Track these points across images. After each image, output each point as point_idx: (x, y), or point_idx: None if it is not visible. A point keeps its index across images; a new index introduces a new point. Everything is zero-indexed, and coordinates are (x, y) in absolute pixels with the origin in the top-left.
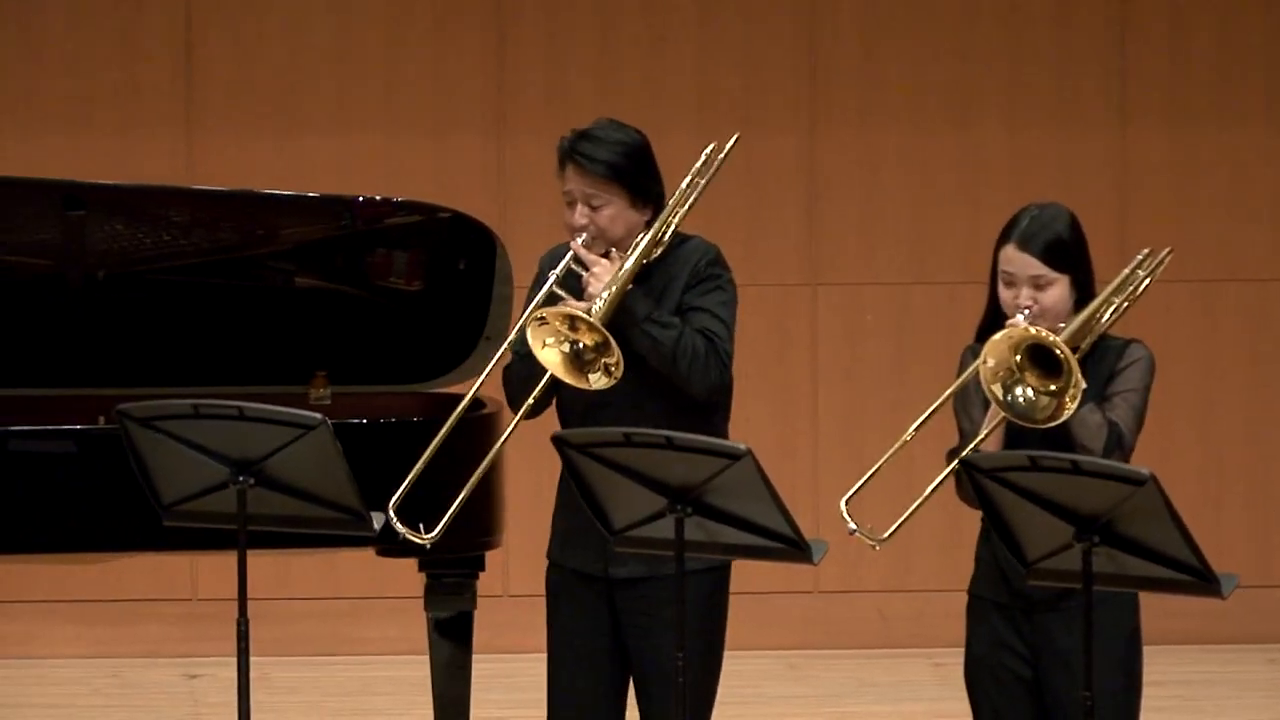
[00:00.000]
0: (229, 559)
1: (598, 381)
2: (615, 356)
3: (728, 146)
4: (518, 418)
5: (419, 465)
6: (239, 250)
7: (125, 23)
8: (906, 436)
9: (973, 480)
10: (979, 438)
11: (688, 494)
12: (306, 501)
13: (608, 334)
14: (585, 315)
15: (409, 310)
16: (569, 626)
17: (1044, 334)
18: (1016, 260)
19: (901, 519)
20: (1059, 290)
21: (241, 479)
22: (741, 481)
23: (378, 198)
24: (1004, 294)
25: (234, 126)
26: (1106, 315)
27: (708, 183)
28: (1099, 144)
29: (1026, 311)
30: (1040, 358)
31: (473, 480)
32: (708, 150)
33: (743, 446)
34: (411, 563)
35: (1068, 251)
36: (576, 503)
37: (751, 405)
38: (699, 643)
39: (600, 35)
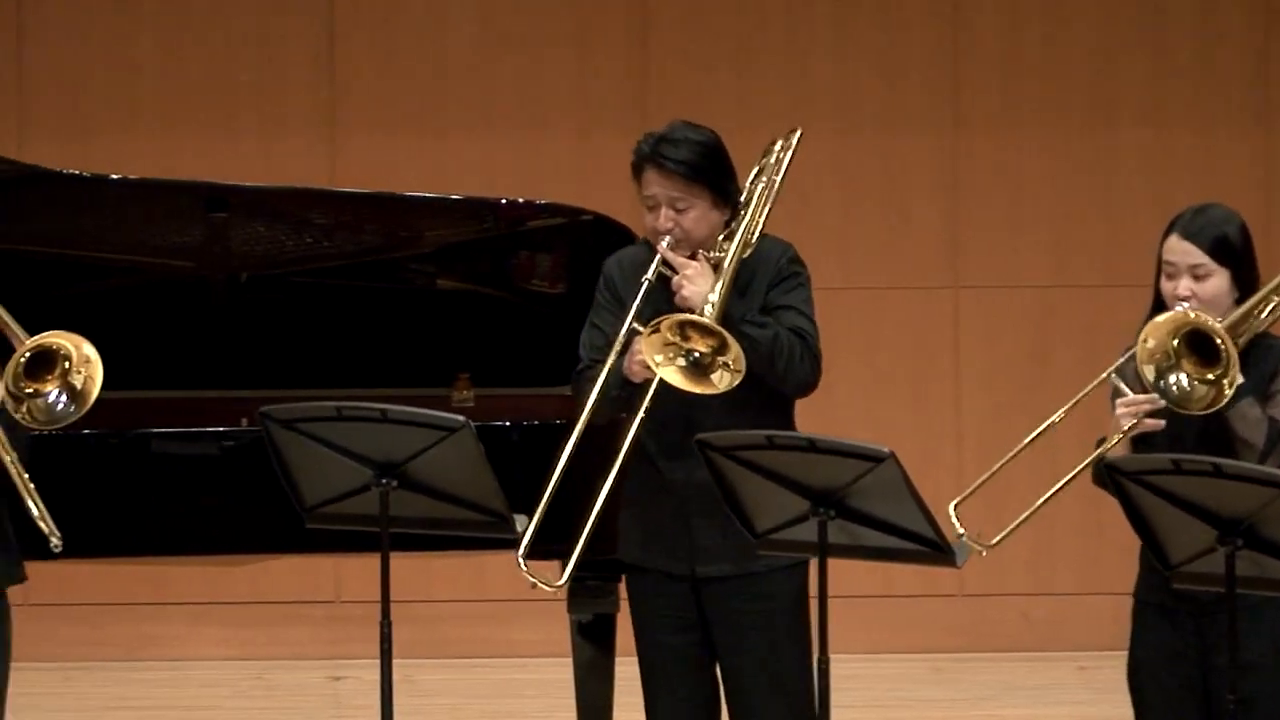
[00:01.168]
0: (372, 561)
1: (721, 382)
2: (734, 353)
3: (794, 141)
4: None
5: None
6: (381, 252)
7: (267, 25)
8: (1025, 444)
9: (1115, 483)
10: (1116, 439)
11: (831, 497)
12: (449, 504)
13: (725, 332)
14: (703, 319)
15: (551, 312)
16: (659, 628)
17: (1205, 319)
18: (1178, 250)
19: (1014, 525)
20: (1218, 282)
21: (384, 481)
22: (885, 484)
23: (520, 200)
24: (1165, 285)
25: (376, 128)
26: (1265, 312)
27: (783, 179)
28: (1243, 145)
29: (1184, 304)
30: (1199, 345)
31: (603, 493)
32: (776, 146)
33: (886, 449)
34: (555, 565)
35: (1230, 246)
36: (656, 506)
37: (893, 408)
38: (793, 641)
39: (741, 37)
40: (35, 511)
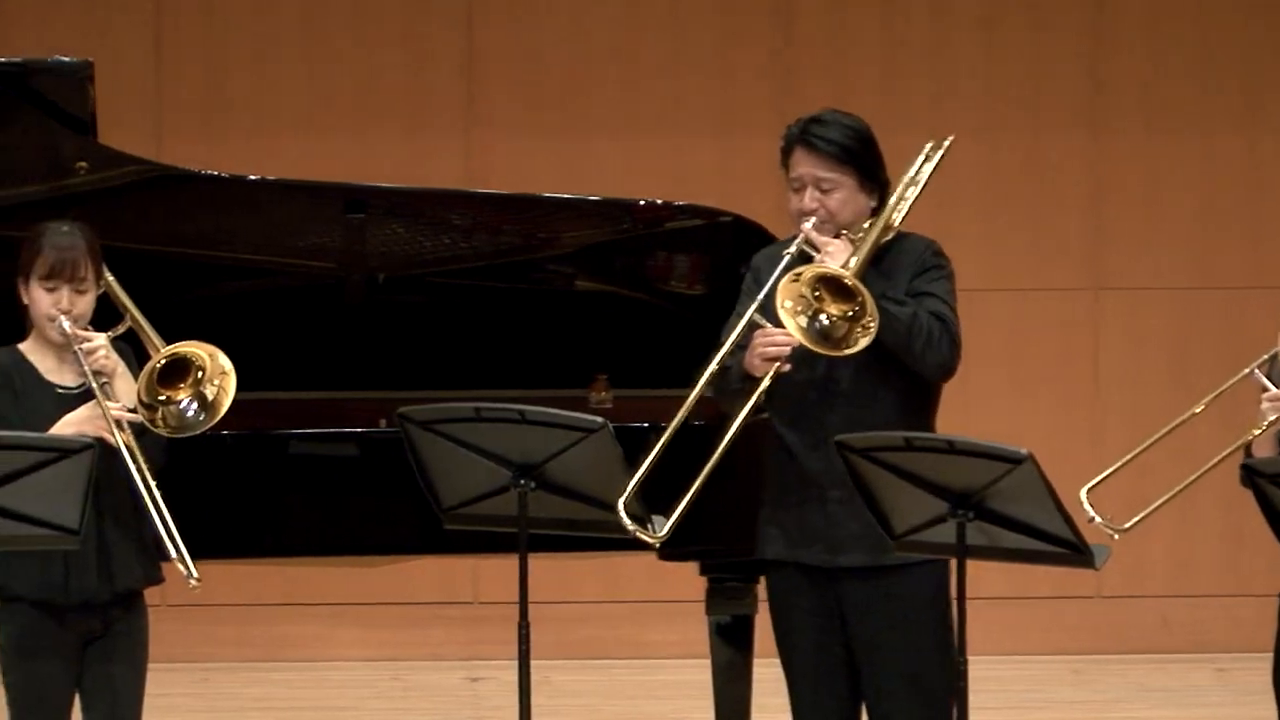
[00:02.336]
0: (510, 562)
1: (854, 345)
2: (870, 313)
3: (945, 145)
4: (739, 419)
5: (648, 460)
6: (519, 253)
7: (408, 27)
8: (1157, 436)
9: (1253, 484)
10: (1257, 432)
11: (969, 498)
12: (587, 505)
13: (863, 289)
14: (842, 271)
15: (689, 313)
16: (801, 624)
17: None
18: None
19: (1147, 511)
20: None
21: (523, 482)
22: (1023, 486)
23: (658, 201)
24: None
25: (515, 129)
26: None
27: (930, 177)
28: None
29: None
30: None
31: (700, 478)
32: (927, 147)
33: (1024, 451)
34: (693, 566)
35: None
36: (795, 496)
37: (1032, 409)
38: (929, 638)
39: (884, 38)
40: (172, 552)
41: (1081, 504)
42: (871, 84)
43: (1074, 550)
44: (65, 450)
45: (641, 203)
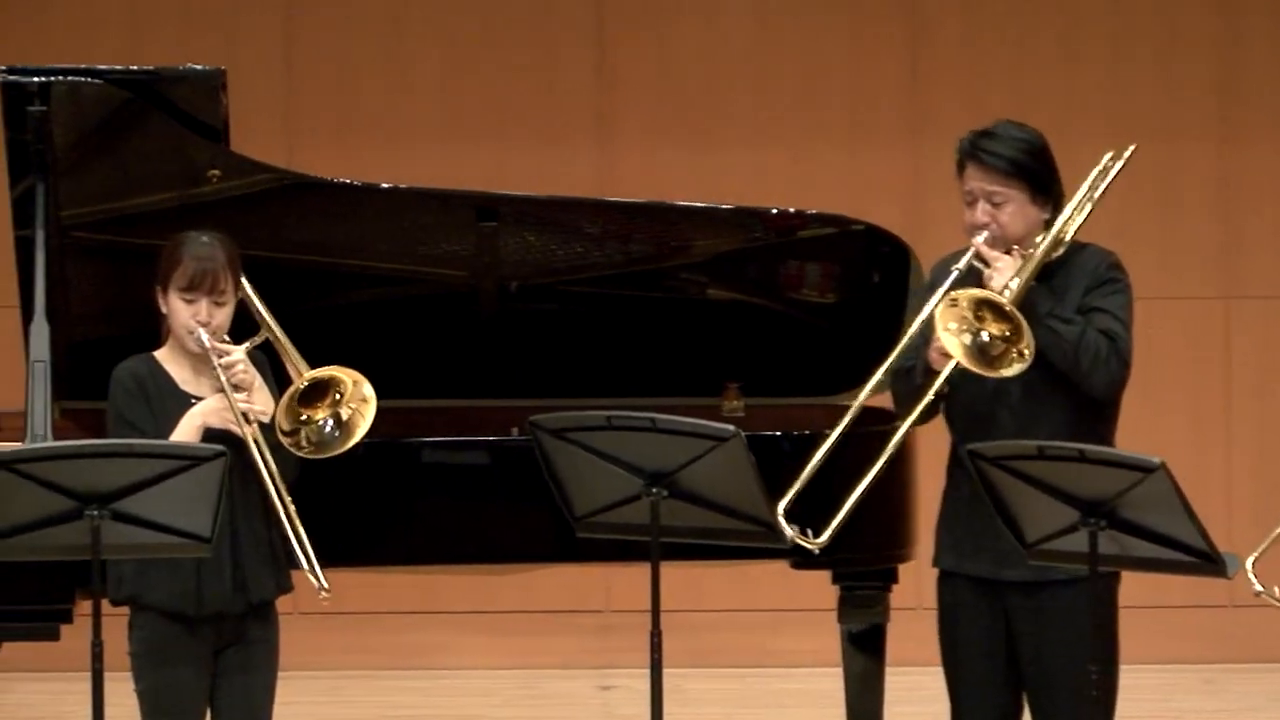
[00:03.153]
0: (642, 570)
1: (1009, 369)
2: (1026, 340)
3: (1125, 156)
4: (906, 425)
5: (809, 467)
6: (651, 262)
7: (541, 36)
8: None
9: None
10: None
11: (1101, 507)
12: (719, 513)
13: (1019, 316)
14: (998, 297)
15: (822, 322)
16: (968, 636)
17: None
18: None
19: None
20: None
21: (655, 490)
22: (1155, 495)
23: (790, 210)
24: None
25: (648, 137)
26: None
27: (1105, 189)
28: None
29: None
30: None
31: (860, 488)
32: (1106, 158)
33: (1156, 459)
34: (825, 575)
35: None
36: (967, 508)
37: (1163, 418)
38: (1093, 652)
39: (1015, 46)
40: (304, 563)
41: (1246, 573)
42: (1002, 94)
43: (1207, 559)
44: (198, 458)
45: (774, 211)
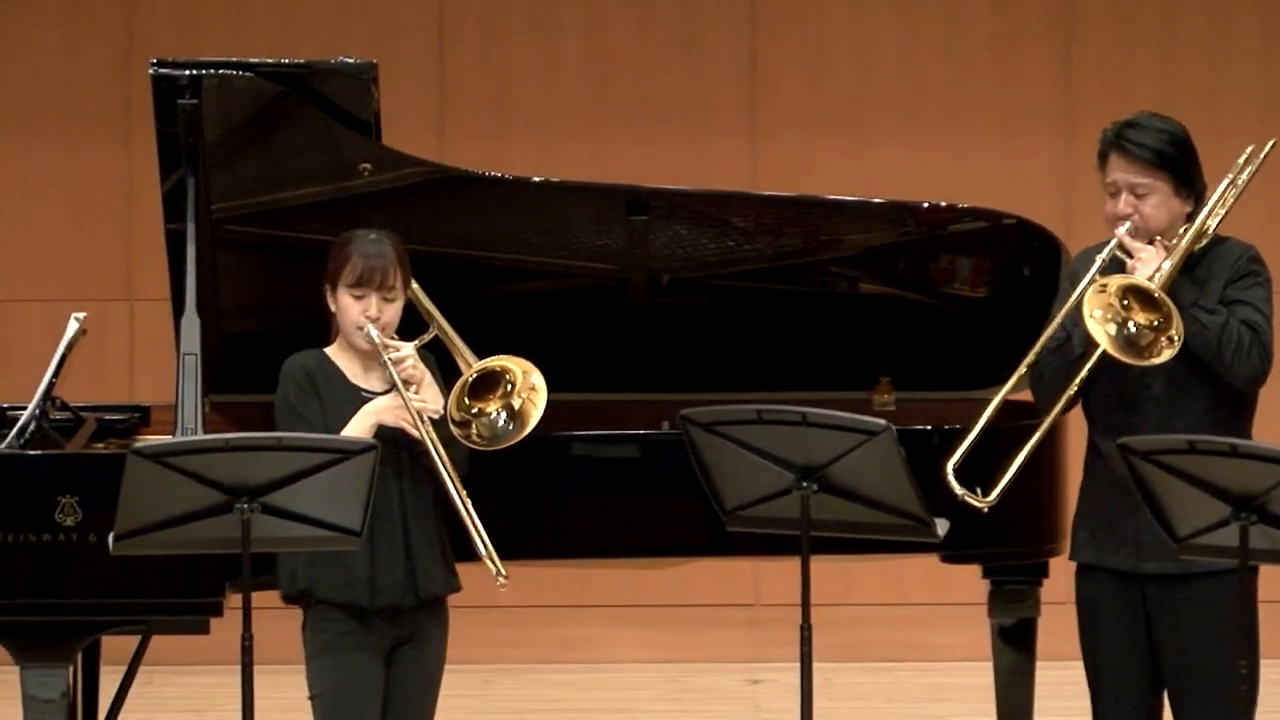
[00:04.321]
0: (792, 564)
1: (1157, 357)
2: (1175, 326)
3: (1266, 149)
4: (1053, 415)
5: (976, 427)
6: (802, 256)
7: (690, 29)
8: None
9: None
10: None
11: (1252, 501)
12: (869, 507)
13: (1169, 302)
14: (1147, 284)
15: (973, 316)
16: (1108, 630)
17: None
18: None
19: None
20: None
21: (805, 484)
22: None
23: (942, 204)
24: None
25: (799, 131)
26: None
27: (1248, 182)
28: None
29: None
30: None
31: (1021, 456)
32: (1248, 151)
33: None
34: (975, 569)
35: None
36: (1106, 501)
37: None
38: (1233, 645)
39: (1164, 39)
40: (482, 550)
41: None
42: (1151, 86)
43: None
44: (348, 452)
45: (925, 205)
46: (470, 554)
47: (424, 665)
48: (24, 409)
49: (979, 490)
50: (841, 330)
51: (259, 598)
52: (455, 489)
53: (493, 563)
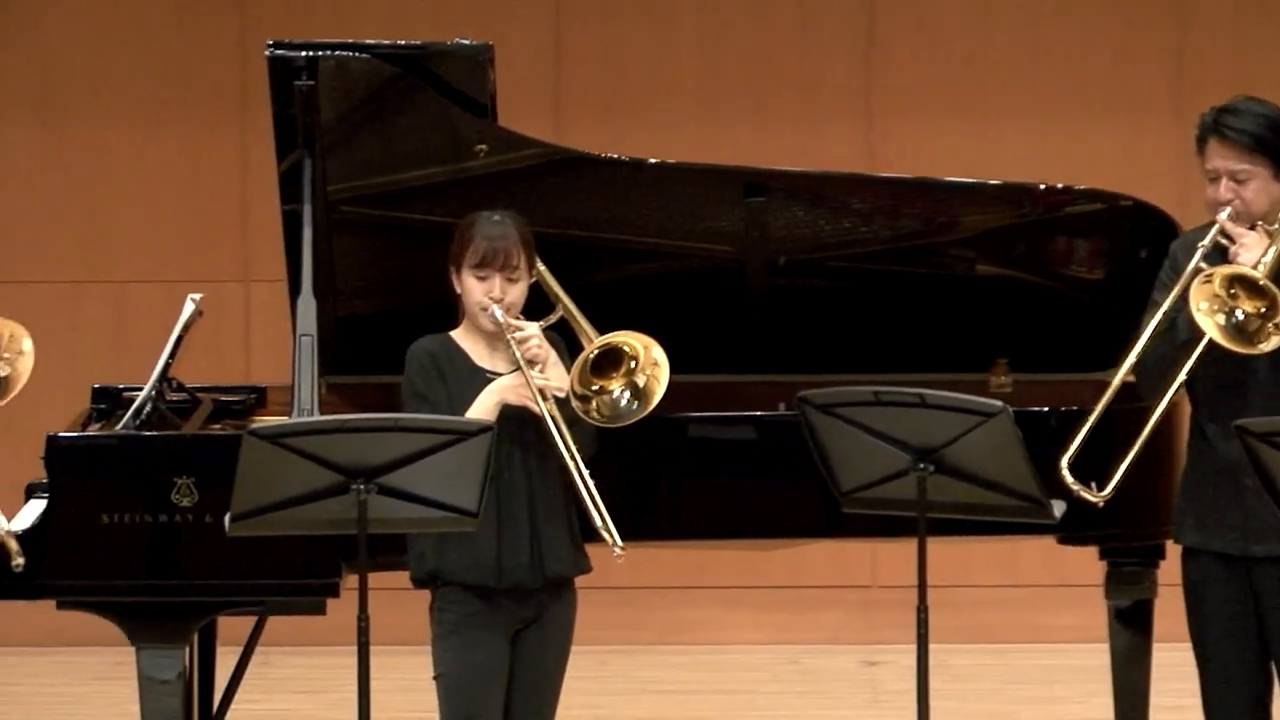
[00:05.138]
0: (909, 546)
1: (1266, 344)
2: None
3: None
4: (1164, 403)
5: (1088, 423)
6: (919, 238)
7: (806, 13)
8: None
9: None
10: None
11: None
12: (986, 489)
13: (1275, 290)
14: (1254, 273)
15: (1089, 298)
16: (1216, 613)
17: None
18: None
19: None
20: None
21: (922, 466)
22: None
23: (1059, 186)
24: None
25: (915, 113)
26: None
27: None
28: None
29: None
30: None
31: (1136, 445)
32: None
33: None
34: (1092, 550)
35: None
36: (1212, 484)
37: None
38: None
39: (1278, 19)
40: (598, 521)
41: None
42: (1268, 70)
43: None
44: (464, 433)
45: (1042, 187)
46: (595, 535)
47: (549, 646)
48: (140, 390)
49: (1093, 484)
50: (958, 312)
51: (375, 578)
52: (576, 467)
53: (609, 533)
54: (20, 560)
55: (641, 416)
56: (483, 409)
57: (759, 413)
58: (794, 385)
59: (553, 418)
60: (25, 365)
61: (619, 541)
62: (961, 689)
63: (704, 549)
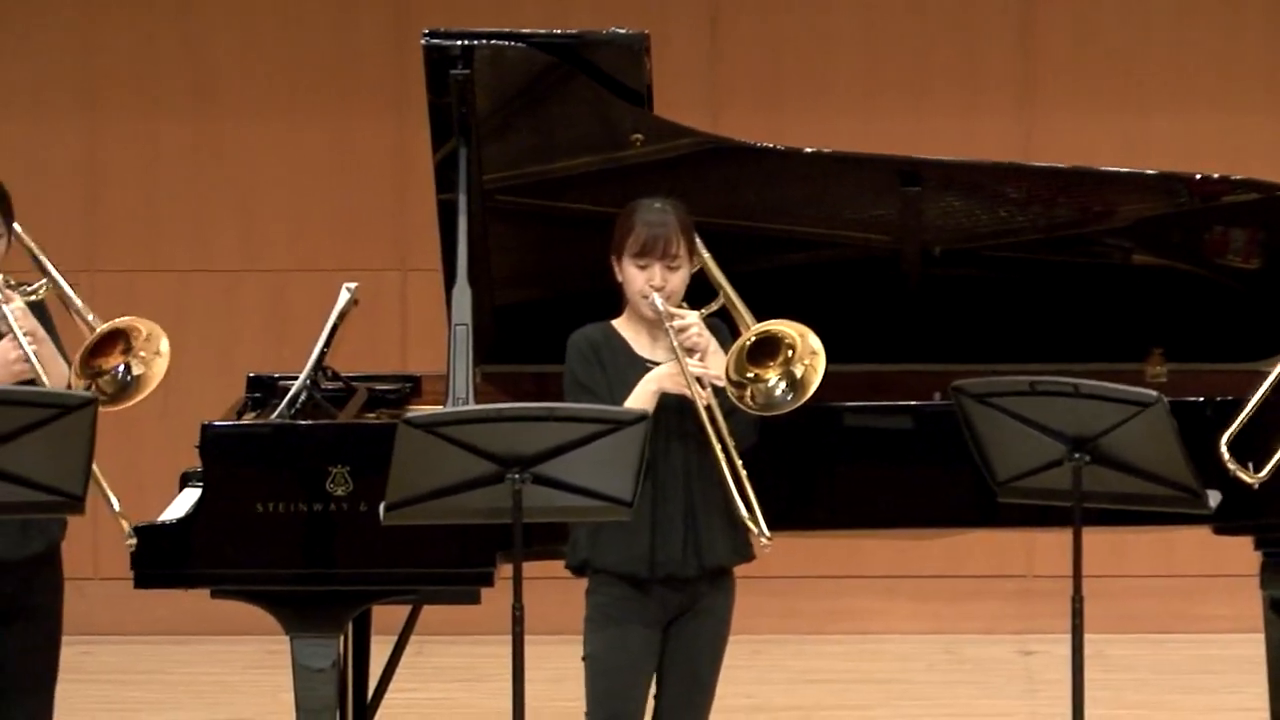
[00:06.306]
0: (1064, 536)
1: None
2: None
3: None
4: None
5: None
6: (1075, 227)
7: (963, 2)
8: None
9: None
10: None
11: None
12: (1141, 478)
13: None
14: None
15: (1245, 288)
16: None
17: None
18: None
19: None
20: None
21: (1077, 456)
22: None
23: (1215, 175)
24: None
25: (1072, 103)
26: None
27: None
28: None
29: None
30: None
31: None
32: None
33: None
34: (1247, 540)
35: None
36: None
37: None
38: None
39: None
40: (744, 512)
41: None
42: None
43: None
44: (619, 422)
45: (1198, 176)
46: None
47: (704, 635)
48: (296, 379)
49: (1251, 466)
50: (1113, 301)
51: (530, 567)
52: (727, 456)
53: (755, 523)
54: (132, 541)
55: (796, 406)
56: (641, 398)
57: (915, 402)
58: (949, 374)
59: (710, 406)
60: (160, 367)
61: (765, 530)
62: (1117, 679)
63: (860, 538)
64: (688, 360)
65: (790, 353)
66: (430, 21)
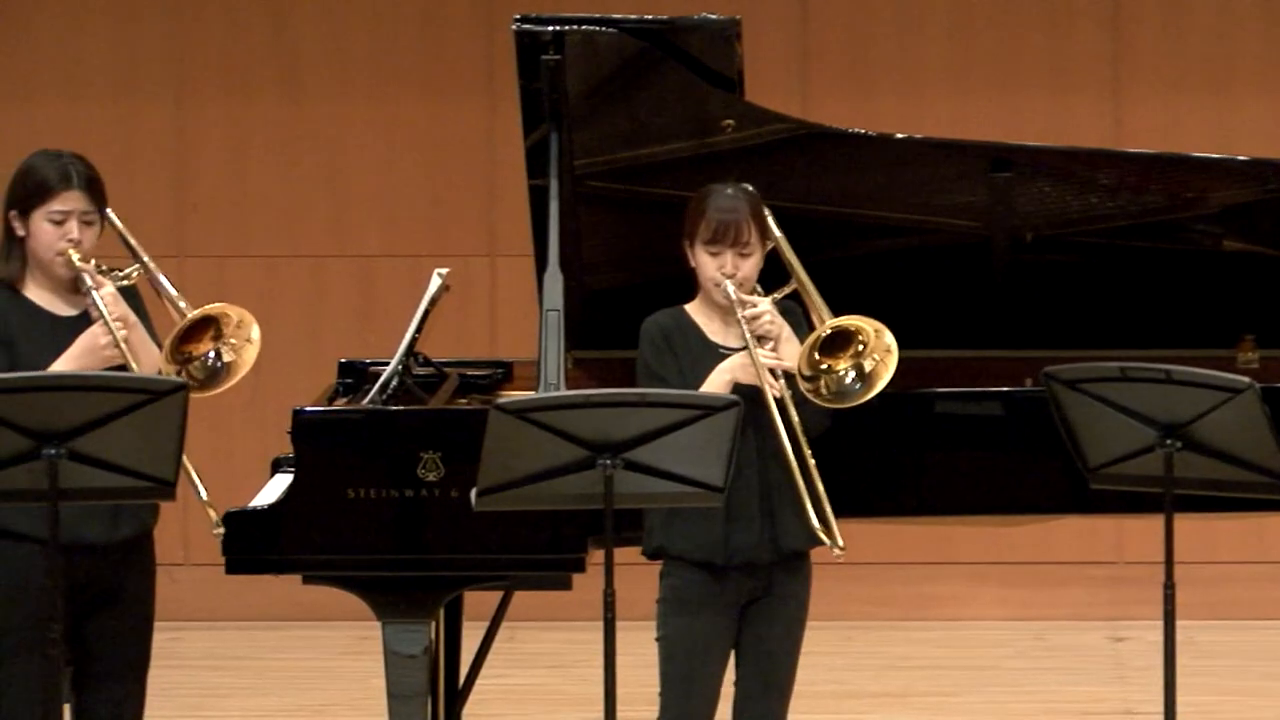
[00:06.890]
0: (1155, 522)
1: None
2: None
3: None
4: None
5: None
6: (1165, 213)
7: None
8: None
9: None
10: None
11: None
12: (1233, 465)
13: None
14: None
15: None
16: None
17: None
18: None
19: None
20: None
21: (1169, 442)
22: None
23: None
24: None
25: (1162, 88)
26: None
27: None
28: None
29: None
30: None
31: None
32: None
33: None
34: None
35: None
36: None
37: None
38: None
39: None
40: (816, 523)
41: None
42: None
43: None
44: (710, 408)
45: None
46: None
47: (781, 620)
48: (387, 365)
49: None
50: (1204, 288)
51: (621, 553)
52: (796, 448)
53: (827, 530)
54: (220, 530)
55: (864, 400)
56: (714, 386)
57: (1006, 388)
58: (1040, 360)
59: (780, 396)
60: (250, 354)
61: (839, 541)
62: (1208, 665)
63: (950, 525)
64: (759, 349)
65: (861, 346)
66: (521, 7)
